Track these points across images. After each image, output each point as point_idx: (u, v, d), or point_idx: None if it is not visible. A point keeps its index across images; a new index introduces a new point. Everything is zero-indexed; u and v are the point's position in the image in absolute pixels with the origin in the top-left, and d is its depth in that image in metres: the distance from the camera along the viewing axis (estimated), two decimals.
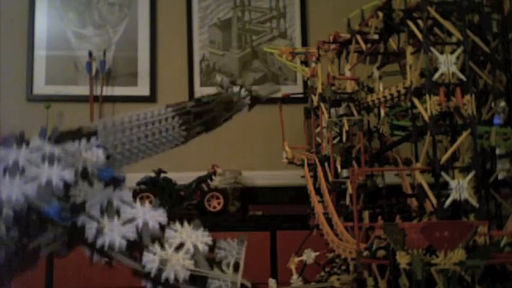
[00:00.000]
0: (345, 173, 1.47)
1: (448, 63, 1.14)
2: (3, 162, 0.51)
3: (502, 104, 1.26)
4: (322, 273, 1.46)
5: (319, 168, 1.55)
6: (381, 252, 1.11)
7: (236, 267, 0.51)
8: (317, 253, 1.53)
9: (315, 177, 1.59)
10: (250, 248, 2.21)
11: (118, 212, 0.50)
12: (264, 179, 2.51)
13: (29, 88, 2.68)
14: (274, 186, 2.64)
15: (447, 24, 1.20)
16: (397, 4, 1.32)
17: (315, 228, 1.53)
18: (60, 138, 0.56)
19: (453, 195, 1.09)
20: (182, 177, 2.38)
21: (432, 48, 1.16)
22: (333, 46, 1.65)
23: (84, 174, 0.52)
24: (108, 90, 2.71)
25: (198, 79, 2.76)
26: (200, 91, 2.74)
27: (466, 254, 0.99)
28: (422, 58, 1.18)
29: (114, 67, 2.75)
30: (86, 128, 0.59)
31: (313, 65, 1.74)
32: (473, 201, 1.11)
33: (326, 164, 1.53)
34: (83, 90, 2.67)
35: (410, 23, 1.22)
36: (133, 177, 2.45)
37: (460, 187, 1.09)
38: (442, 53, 1.17)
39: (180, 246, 0.49)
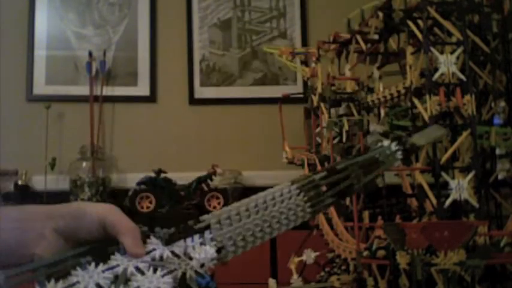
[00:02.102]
0: None
1: (448, 63, 1.14)
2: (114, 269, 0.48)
3: (502, 104, 1.26)
4: (322, 273, 1.46)
5: (319, 168, 1.55)
6: (381, 252, 1.11)
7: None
8: (317, 253, 1.53)
9: None
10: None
11: None
12: (264, 179, 2.50)
13: (29, 88, 2.68)
14: (274, 186, 2.63)
15: (447, 24, 1.20)
16: (397, 4, 1.32)
17: (315, 228, 1.53)
18: (171, 238, 0.53)
19: (453, 195, 1.09)
20: (182, 177, 2.38)
21: (432, 48, 1.16)
22: (333, 46, 1.65)
23: (182, 282, 0.49)
24: (108, 90, 2.71)
25: (198, 79, 2.76)
26: (200, 91, 2.75)
27: (466, 254, 0.99)
28: (422, 58, 1.18)
29: (114, 67, 2.74)
30: (198, 224, 0.54)
31: (313, 65, 1.75)
32: (473, 201, 1.11)
33: (326, 164, 1.53)
34: (83, 90, 2.67)
35: (410, 23, 1.22)
36: (133, 177, 2.45)
37: (460, 187, 1.09)
38: (442, 53, 1.17)
39: None
